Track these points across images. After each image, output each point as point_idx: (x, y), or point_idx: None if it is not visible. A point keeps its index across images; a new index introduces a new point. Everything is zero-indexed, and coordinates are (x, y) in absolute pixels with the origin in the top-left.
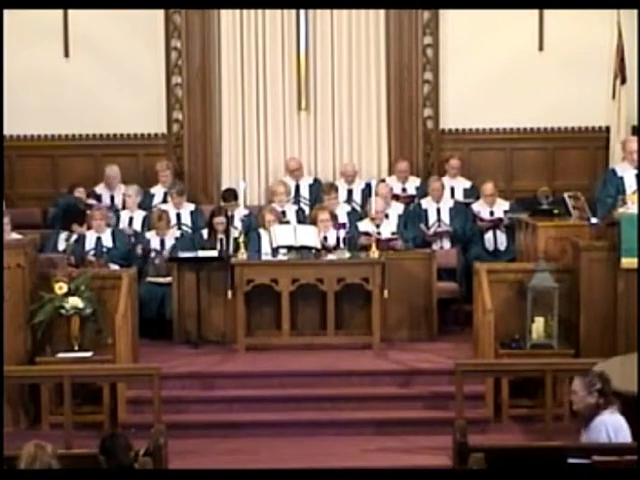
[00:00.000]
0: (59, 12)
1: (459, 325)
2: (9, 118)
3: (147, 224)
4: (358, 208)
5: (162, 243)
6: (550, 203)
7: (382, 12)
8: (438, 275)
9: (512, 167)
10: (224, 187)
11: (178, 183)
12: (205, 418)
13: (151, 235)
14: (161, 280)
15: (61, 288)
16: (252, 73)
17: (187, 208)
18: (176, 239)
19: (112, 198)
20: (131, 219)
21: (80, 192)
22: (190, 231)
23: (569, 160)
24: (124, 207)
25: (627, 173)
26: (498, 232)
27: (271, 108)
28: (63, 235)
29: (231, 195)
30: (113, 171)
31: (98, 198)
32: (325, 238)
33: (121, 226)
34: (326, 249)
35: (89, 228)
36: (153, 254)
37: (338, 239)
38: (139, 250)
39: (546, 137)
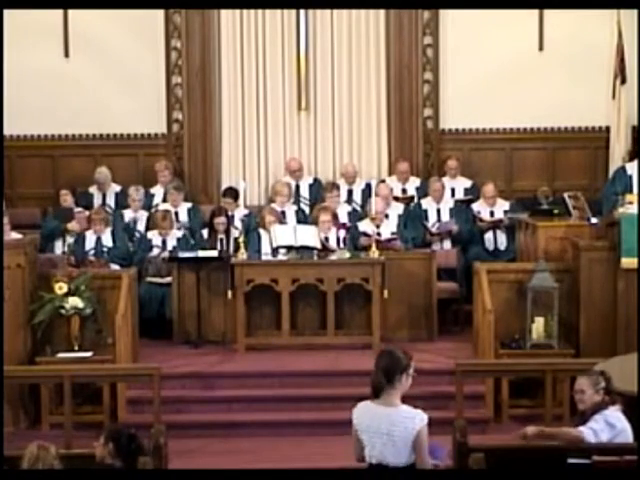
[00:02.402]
0: (59, 12)
1: (459, 325)
2: (9, 118)
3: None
4: (358, 208)
5: (164, 243)
6: (550, 203)
7: (382, 12)
8: (438, 275)
9: (512, 167)
10: (224, 187)
11: (176, 180)
12: (205, 418)
13: (153, 235)
14: (161, 280)
15: (61, 288)
16: (252, 73)
17: (184, 206)
18: (178, 239)
19: (104, 197)
20: (135, 220)
21: (65, 194)
22: (188, 230)
23: (569, 160)
24: (119, 206)
25: (636, 172)
26: (498, 232)
27: (271, 108)
28: (59, 243)
29: (231, 195)
30: (102, 175)
31: (90, 199)
32: (327, 238)
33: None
34: (326, 249)
35: (87, 228)
36: (154, 253)
37: (338, 239)
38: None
39: (546, 137)
